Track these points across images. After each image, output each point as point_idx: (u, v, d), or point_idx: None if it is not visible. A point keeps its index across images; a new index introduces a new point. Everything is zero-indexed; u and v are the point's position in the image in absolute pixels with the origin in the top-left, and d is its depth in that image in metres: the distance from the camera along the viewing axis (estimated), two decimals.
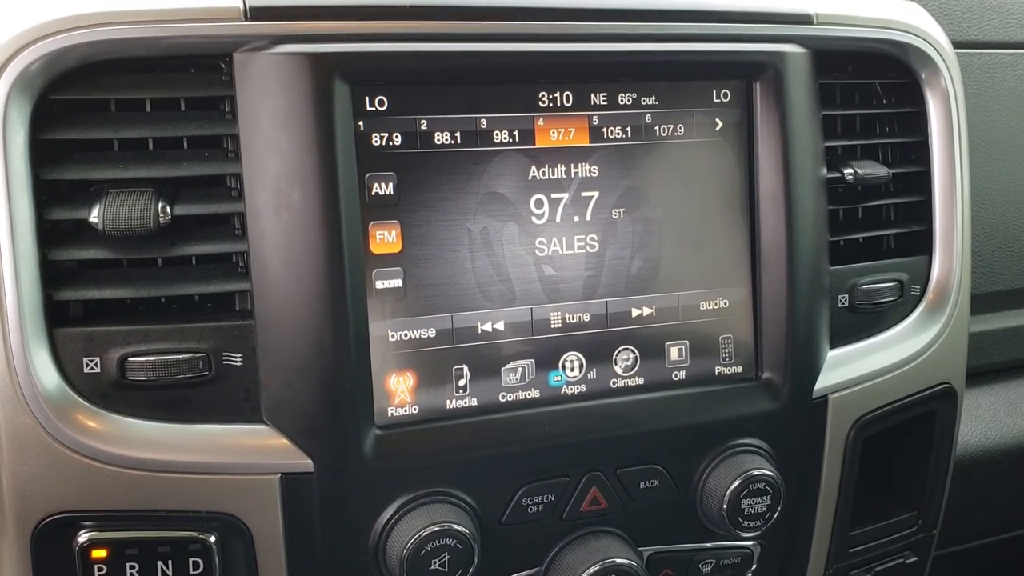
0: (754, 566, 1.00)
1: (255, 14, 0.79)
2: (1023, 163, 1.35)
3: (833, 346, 1.00)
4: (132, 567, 0.81)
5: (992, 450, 1.34)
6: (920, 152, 1.08)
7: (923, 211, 1.08)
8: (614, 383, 0.92)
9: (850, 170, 1.01)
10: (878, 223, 1.08)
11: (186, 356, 0.80)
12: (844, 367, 1.01)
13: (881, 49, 1.03)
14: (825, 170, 0.98)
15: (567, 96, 0.88)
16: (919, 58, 1.04)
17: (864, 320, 1.04)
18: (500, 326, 0.88)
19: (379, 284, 0.84)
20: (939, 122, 1.06)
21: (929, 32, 1.05)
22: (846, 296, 1.02)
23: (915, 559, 1.13)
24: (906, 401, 1.05)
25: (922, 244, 1.08)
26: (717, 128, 0.93)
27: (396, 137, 0.83)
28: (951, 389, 1.09)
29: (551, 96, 0.88)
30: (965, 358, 1.10)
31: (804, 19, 0.96)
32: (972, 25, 1.35)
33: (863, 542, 1.09)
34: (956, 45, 1.08)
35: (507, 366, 0.88)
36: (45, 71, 0.76)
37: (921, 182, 1.08)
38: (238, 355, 0.82)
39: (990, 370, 1.38)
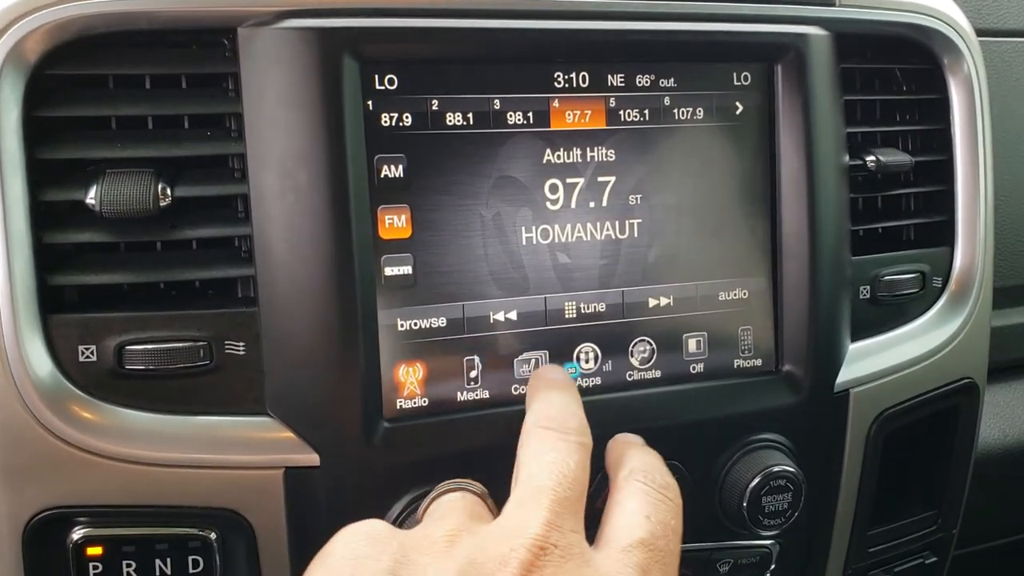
0: (773, 566, 0.97)
1: None
2: None
3: (854, 339, 0.98)
4: (129, 565, 0.78)
5: (1011, 447, 1.31)
6: (942, 140, 1.05)
7: (945, 201, 1.05)
8: (630, 376, 0.89)
9: (872, 157, 0.98)
10: (899, 213, 1.05)
11: (186, 344, 0.77)
12: (866, 360, 0.98)
13: (903, 33, 1.00)
14: (847, 157, 0.96)
15: (583, 77, 0.85)
16: (941, 43, 1.02)
17: (886, 312, 1.01)
18: (513, 316, 0.85)
19: (388, 271, 0.80)
20: (962, 109, 1.04)
21: (952, 17, 1.02)
22: (868, 287, 0.99)
23: (935, 559, 1.10)
24: (928, 396, 1.02)
25: (944, 235, 1.05)
26: (737, 112, 0.90)
27: (406, 117, 0.80)
28: (973, 384, 1.06)
29: (567, 76, 0.84)
30: (987, 352, 1.07)
31: (827, 1, 0.93)
32: (991, 13, 1.32)
33: (882, 541, 1.06)
34: (976, 33, 1.05)
35: (520, 357, 0.85)
36: (41, 45, 0.73)
37: (943, 171, 1.05)
38: (241, 344, 0.78)
39: (1010, 366, 1.36)
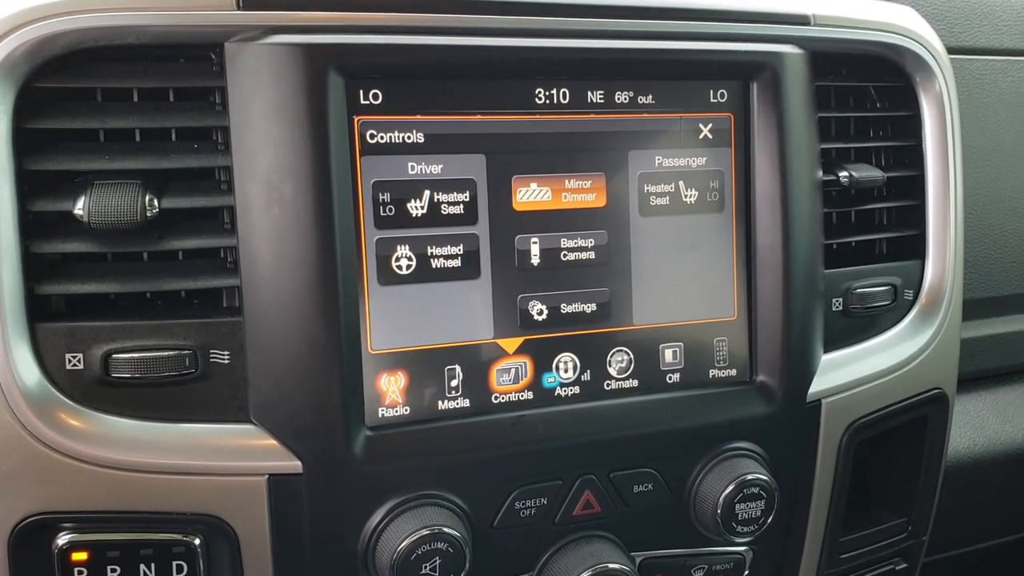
0: (746, 572, 0.99)
1: (247, 3, 0.77)
2: (1013, 170, 1.36)
3: (827, 350, 1.00)
4: (114, 571, 0.79)
5: (980, 456, 1.34)
6: (913, 156, 1.07)
7: (916, 215, 1.07)
8: (608, 385, 0.91)
9: (845, 173, 1.00)
10: (871, 227, 1.08)
11: (172, 353, 0.78)
12: (838, 371, 1.00)
13: (876, 52, 1.02)
14: (821, 172, 0.98)
15: (564, 93, 0.87)
16: (913, 61, 1.04)
17: (858, 324, 1.03)
18: (493, 324, 0.86)
19: None
20: (933, 126, 1.06)
21: (924, 36, 1.04)
22: (840, 300, 1.01)
23: (905, 565, 1.12)
24: (899, 406, 1.04)
25: (915, 248, 1.07)
26: (713, 128, 0.92)
27: (391, 132, 0.81)
28: (943, 394, 1.08)
29: (548, 93, 0.86)
30: (957, 363, 1.09)
31: (801, 20, 0.95)
32: (963, 31, 1.35)
33: (853, 548, 1.08)
34: (948, 51, 1.07)
35: (500, 367, 0.87)
36: (30, 57, 0.74)
37: (914, 186, 1.07)
38: (226, 352, 0.80)
39: (979, 376, 1.38)
